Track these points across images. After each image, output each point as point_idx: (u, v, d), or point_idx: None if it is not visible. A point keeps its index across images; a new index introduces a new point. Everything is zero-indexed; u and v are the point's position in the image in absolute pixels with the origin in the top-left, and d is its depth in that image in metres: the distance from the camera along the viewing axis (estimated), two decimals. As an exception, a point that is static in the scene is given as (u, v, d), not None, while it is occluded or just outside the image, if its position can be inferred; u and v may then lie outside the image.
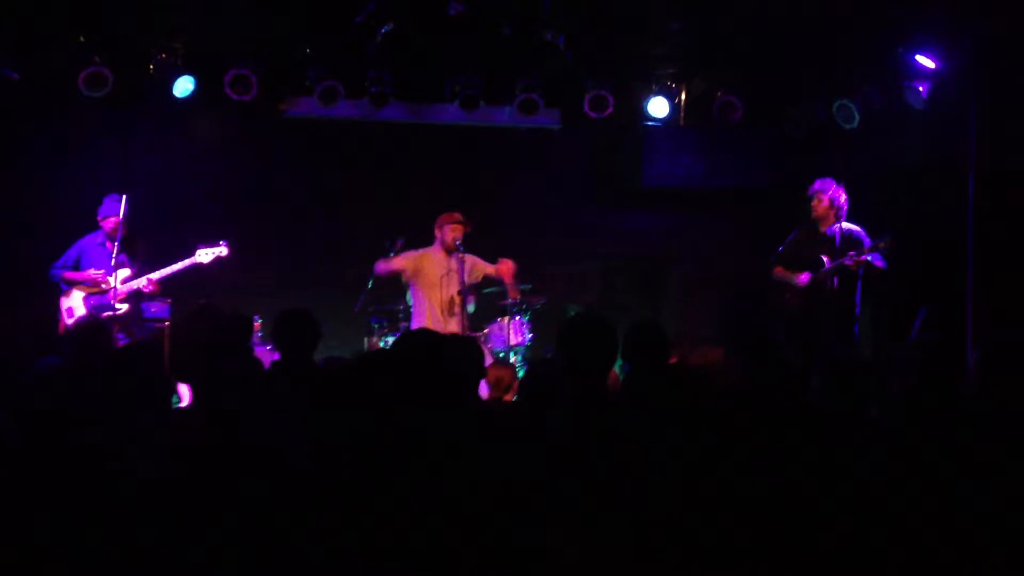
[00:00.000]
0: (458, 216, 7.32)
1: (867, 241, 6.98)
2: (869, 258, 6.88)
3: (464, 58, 8.41)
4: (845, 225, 7.07)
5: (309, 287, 8.76)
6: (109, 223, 7.29)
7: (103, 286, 7.23)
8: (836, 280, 7.02)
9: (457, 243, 7.22)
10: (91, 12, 7.46)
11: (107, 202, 7.37)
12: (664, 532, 2.39)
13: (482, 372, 3.77)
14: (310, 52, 8.13)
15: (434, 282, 7.27)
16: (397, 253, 7.62)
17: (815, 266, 7.09)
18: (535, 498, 2.50)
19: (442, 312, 7.25)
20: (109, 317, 7.14)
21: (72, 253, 7.36)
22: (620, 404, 3.43)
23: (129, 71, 8.07)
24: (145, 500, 2.46)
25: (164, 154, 8.54)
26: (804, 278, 7.15)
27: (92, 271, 7.28)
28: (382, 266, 7.44)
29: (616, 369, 5.13)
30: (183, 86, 7.91)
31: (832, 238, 7.06)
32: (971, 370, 3.38)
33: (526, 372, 3.71)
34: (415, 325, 7.40)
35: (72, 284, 7.28)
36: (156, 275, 7.38)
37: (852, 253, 6.87)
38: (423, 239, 7.64)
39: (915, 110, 7.67)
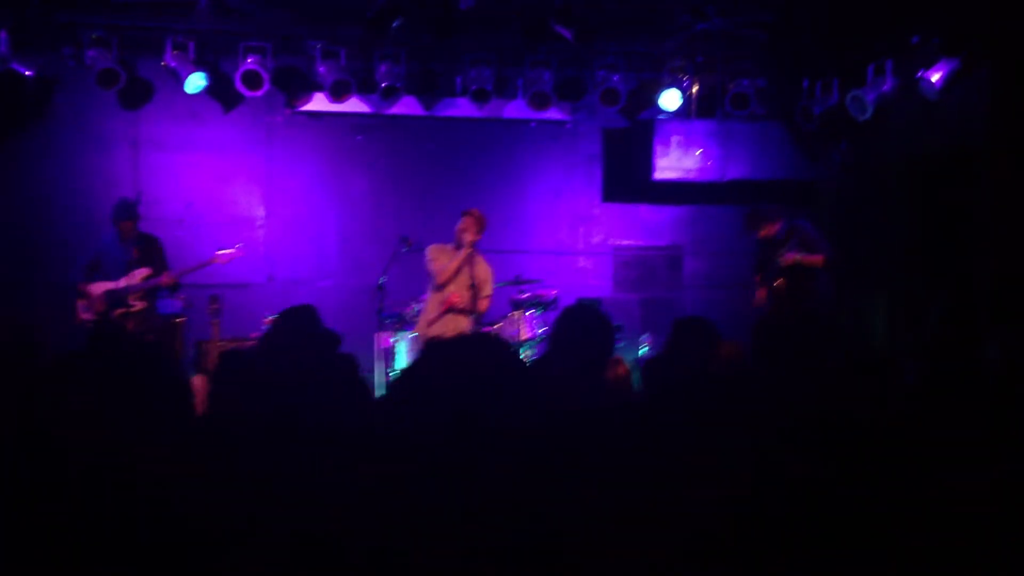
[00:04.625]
0: (471, 212, 7.31)
1: (810, 232, 7.38)
2: (795, 255, 7.29)
3: (475, 52, 8.41)
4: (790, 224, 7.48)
5: (320, 282, 8.77)
6: (125, 225, 7.33)
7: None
8: (784, 282, 7.34)
9: (467, 238, 7.20)
10: (104, 8, 7.48)
11: (121, 204, 7.41)
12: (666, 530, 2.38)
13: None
14: (321, 47, 8.13)
15: (447, 278, 7.27)
16: (409, 249, 7.66)
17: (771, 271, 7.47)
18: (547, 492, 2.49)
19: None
20: (123, 314, 7.18)
21: (91, 255, 7.38)
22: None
23: (141, 68, 8.12)
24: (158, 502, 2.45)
25: (176, 151, 8.56)
26: (760, 295, 7.56)
27: (100, 286, 7.29)
28: (443, 271, 7.25)
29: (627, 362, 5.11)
30: (195, 82, 7.93)
31: (779, 240, 7.45)
32: (987, 362, 3.37)
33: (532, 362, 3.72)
34: (428, 319, 7.42)
35: (84, 297, 7.29)
36: (175, 273, 7.43)
37: (782, 252, 7.31)
38: (433, 232, 7.67)
39: (928, 100, 7.63)
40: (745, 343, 4.16)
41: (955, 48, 7.39)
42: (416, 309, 7.71)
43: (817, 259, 7.32)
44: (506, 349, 2.49)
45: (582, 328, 3.55)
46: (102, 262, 7.36)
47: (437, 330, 7.07)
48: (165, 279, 7.36)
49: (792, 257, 7.28)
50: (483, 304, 7.31)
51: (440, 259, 7.22)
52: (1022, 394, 3.07)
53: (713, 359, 3.87)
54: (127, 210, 7.39)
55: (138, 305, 7.31)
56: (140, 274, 7.32)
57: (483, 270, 7.34)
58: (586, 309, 3.88)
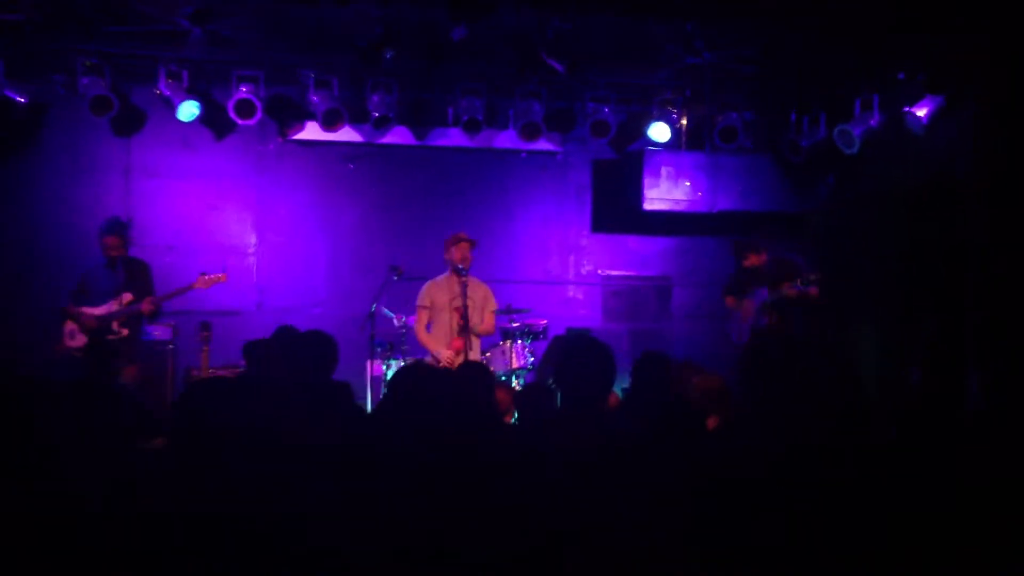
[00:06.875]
0: (462, 236, 7.37)
1: (803, 267, 7.44)
2: (798, 289, 7.40)
3: (467, 82, 8.47)
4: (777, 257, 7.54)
5: (310, 310, 8.78)
6: (109, 241, 7.28)
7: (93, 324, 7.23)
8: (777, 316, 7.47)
9: (463, 263, 7.25)
10: (97, 37, 7.53)
11: (108, 223, 7.40)
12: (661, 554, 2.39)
13: (492, 395, 3.79)
14: (314, 76, 8.19)
15: (443, 306, 7.32)
16: (400, 277, 7.70)
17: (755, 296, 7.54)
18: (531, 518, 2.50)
19: (452, 334, 7.28)
20: (110, 340, 7.15)
21: (77, 280, 7.35)
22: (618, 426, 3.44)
23: (134, 95, 8.16)
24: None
25: (168, 178, 8.58)
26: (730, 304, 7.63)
27: (86, 310, 7.25)
28: (420, 332, 7.40)
29: (617, 391, 5.12)
30: (188, 110, 7.97)
31: (764, 272, 7.53)
32: (973, 392, 3.39)
33: (518, 393, 3.70)
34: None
35: (70, 318, 7.25)
36: (157, 298, 7.37)
37: (789, 284, 7.34)
38: (423, 262, 7.69)
39: (915, 135, 7.71)
40: (730, 375, 4.18)
41: (940, 85, 7.49)
42: (403, 321, 7.75)
43: (813, 292, 7.39)
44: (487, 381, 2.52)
45: (587, 359, 3.53)
46: (88, 287, 7.33)
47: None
48: (145, 306, 7.25)
49: (795, 291, 7.32)
50: (490, 320, 7.49)
51: (436, 300, 7.30)
52: (1003, 427, 3.10)
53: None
54: (112, 226, 7.33)
55: (123, 332, 7.25)
56: (124, 299, 7.28)
57: (482, 289, 7.45)
58: (589, 340, 3.87)
